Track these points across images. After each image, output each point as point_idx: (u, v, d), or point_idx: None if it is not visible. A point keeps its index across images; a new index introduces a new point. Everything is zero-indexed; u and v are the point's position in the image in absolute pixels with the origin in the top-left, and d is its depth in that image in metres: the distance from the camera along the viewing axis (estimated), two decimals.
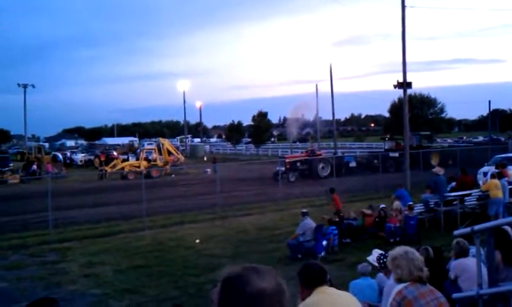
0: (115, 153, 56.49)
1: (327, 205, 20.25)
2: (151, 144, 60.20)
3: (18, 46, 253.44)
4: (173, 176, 41.43)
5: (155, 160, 43.74)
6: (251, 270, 1.71)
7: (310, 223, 14.66)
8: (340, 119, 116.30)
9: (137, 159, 45.55)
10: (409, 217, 15.86)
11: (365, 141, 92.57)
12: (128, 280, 12.68)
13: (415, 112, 60.92)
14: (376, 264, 7.74)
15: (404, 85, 28.21)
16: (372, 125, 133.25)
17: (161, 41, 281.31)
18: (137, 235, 18.26)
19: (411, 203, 16.80)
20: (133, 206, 21.87)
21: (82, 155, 60.45)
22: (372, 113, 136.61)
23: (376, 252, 8.12)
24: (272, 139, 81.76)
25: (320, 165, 36.44)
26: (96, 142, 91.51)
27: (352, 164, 33.03)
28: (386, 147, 43.37)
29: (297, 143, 79.17)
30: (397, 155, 37.36)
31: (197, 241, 16.48)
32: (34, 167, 44.33)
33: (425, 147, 38.45)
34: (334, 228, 15.10)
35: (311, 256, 13.34)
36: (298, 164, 36.55)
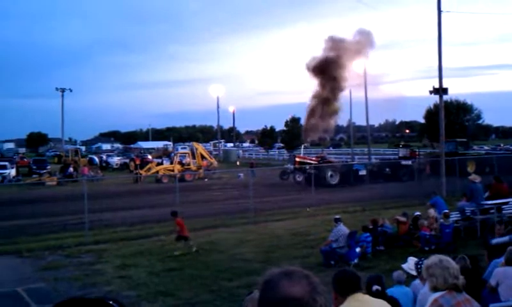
0: (150, 157, 57.34)
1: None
2: (185, 148, 60.79)
3: (56, 51, 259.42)
4: (206, 180, 41.72)
5: (188, 164, 44.12)
6: (283, 275, 1.72)
7: (344, 229, 14.55)
8: (373, 125, 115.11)
9: (171, 163, 46.05)
10: (445, 225, 15.59)
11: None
12: (161, 283, 12.82)
13: (451, 119, 59.81)
14: (412, 272, 7.64)
15: (440, 91, 27.76)
16: (407, 131, 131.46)
17: (196, 46, 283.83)
18: (170, 238, 18.43)
19: (447, 210, 16.51)
20: (167, 210, 22.07)
21: (118, 158, 61.44)
22: (407, 119, 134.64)
23: (412, 260, 8.03)
24: (305, 145, 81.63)
25: (329, 173, 35.25)
26: (132, 146, 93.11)
27: (362, 172, 32.06)
28: (400, 155, 42.07)
29: (331, 148, 78.76)
30: (409, 162, 36.33)
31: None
32: (71, 169, 45.26)
33: (461, 154, 37.66)
34: (368, 234, 14.96)
35: (344, 263, 13.25)
36: (308, 167, 35.10)
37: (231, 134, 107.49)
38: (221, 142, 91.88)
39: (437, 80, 27.62)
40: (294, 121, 75.55)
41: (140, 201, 27.75)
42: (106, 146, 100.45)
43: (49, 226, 21.06)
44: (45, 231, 19.99)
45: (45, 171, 45.91)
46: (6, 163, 48.04)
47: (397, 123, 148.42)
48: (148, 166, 45.42)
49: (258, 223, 20.85)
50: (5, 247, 17.44)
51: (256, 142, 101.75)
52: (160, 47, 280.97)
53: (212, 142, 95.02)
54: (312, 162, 37.24)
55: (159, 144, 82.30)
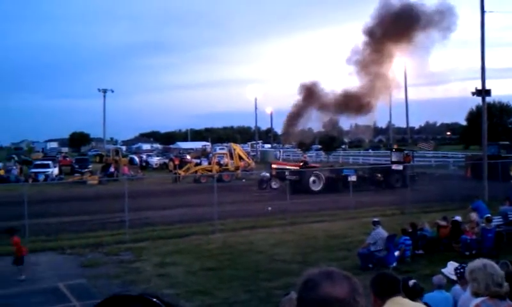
0: (189, 157, 57.90)
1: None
2: (223, 149, 61.16)
3: (97, 53, 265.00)
4: (243, 180, 41.83)
5: (226, 165, 44.35)
6: (324, 275, 1.72)
7: (382, 233, 14.38)
8: (414, 127, 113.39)
9: (210, 163, 46.40)
10: (487, 230, 15.21)
11: (440, 150, 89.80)
12: (199, 281, 12.95)
13: (494, 121, 58.33)
14: (452, 277, 7.50)
15: (483, 92, 27.11)
16: (448, 133, 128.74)
17: (233, 48, 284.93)
18: (208, 237, 18.61)
19: (489, 215, 16.11)
20: (205, 209, 22.30)
21: (158, 158, 62.20)
22: (448, 121, 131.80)
23: (452, 264, 7.87)
24: (344, 146, 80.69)
25: (312, 179, 33.20)
26: (171, 146, 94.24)
27: (352, 178, 30.90)
28: (393, 159, 39.25)
29: (370, 151, 77.87)
30: (400, 168, 34.18)
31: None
32: (112, 169, 46.06)
33: (504, 157, 36.57)
34: (407, 238, 14.75)
35: (382, 267, 13.10)
36: (287, 173, 32.63)
37: (268, 135, 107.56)
38: (258, 143, 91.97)
39: (480, 81, 27.02)
40: (333, 122, 74.98)
41: (179, 200, 28.10)
42: (146, 146, 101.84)
43: (90, 224, 21.50)
44: (86, 229, 20.43)
45: (86, 170, 46.86)
46: (49, 162, 49.24)
47: (437, 124, 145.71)
48: (186, 166, 45.89)
49: (295, 224, 20.81)
50: (48, 244, 17.92)
51: (294, 143, 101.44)
52: (199, 49, 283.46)
53: (249, 143, 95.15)
54: (290, 167, 35.16)
55: (198, 145, 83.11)
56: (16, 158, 64.67)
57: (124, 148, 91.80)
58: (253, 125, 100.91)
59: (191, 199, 28.19)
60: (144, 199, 27.32)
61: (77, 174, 45.56)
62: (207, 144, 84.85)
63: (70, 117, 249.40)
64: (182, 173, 42.67)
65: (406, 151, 39.86)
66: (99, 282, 13.29)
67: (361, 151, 63.02)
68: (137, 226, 20.19)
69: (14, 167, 47.52)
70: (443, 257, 12.99)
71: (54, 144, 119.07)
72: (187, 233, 19.29)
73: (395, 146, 46.93)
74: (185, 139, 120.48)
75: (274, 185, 33.07)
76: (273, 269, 13.86)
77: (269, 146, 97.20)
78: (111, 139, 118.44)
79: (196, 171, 43.07)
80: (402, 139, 78.46)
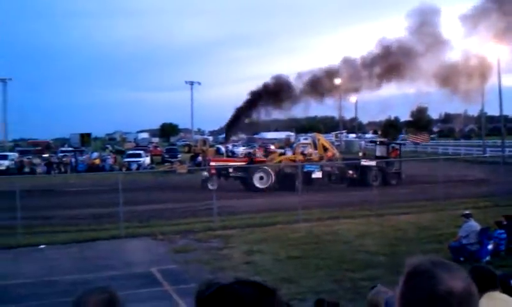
0: (273, 147, 58.35)
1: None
2: (306, 139, 60.98)
3: (185, 46, 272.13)
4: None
5: (310, 155, 44.22)
6: (440, 266, 1.53)
7: (475, 225, 13.85)
8: (508, 116, 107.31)
9: (294, 153, 46.46)
10: None
11: None
12: (285, 270, 13.09)
13: None
14: None
15: None
16: None
17: (316, 38, 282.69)
18: (293, 226, 18.73)
19: None
20: (289, 199, 22.45)
21: (243, 148, 63.21)
22: None
23: None
24: (433, 136, 78.00)
25: (258, 175, 30.78)
26: (255, 136, 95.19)
27: (316, 175, 27.72)
28: (377, 153, 36.44)
29: (461, 140, 74.77)
30: (373, 163, 31.65)
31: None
32: (200, 158, 47.35)
33: None
34: (502, 231, 14.10)
35: (474, 261, 12.62)
36: (231, 170, 30.89)
37: (353, 125, 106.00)
38: (342, 133, 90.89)
39: None
40: (421, 111, 72.70)
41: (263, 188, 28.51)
42: (232, 137, 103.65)
43: (180, 211, 22.31)
44: (176, 216, 21.23)
45: (176, 159, 48.57)
46: (141, 152, 51.50)
47: None
48: (271, 156, 46.24)
49: (382, 215, 20.44)
50: (141, 230, 18.80)
51: (379, 133, 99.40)
52: (282, 40, 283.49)
53: (334, 133, 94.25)
54: (231, 164, 32.74)
55: (282, 135, 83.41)
56: (110, 148, 68.19)
57: (211, 138, 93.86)
58: (337, 115, 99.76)
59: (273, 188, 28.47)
60: (231, 187, 27.93)
61: (167, 164, 47.26)
62: (291, 134, 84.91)
63: (160, 108, 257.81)
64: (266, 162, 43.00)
65: (392, 145, 37.12)
66: (190, 267, 13.74)
67: (451, 141, 60.54)
68: (225, 214, 20.69)
69: (109, 157, 50.11)
70: None
71: (145, 135, 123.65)
72: (272, 222, 19.52)
73: (379, 140, 43.63)
74: (269, 129, 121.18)
75: (212, 185, 27.54)
76: (358, 260, 13.75)
77: (353, 136, 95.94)
78: (199, 129, 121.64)
79: (280, 161, 43.29)
80: (494, 128, 74.56)
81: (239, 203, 23.89)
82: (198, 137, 77.62)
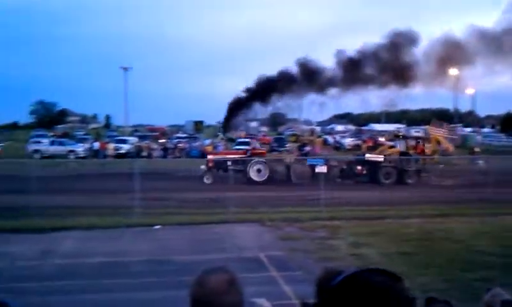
0: (383, 140, 57.08)
1: None
2: (418, 132, 58.96)
3: (297, 34, 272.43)
4: (441, 166, 39.96)
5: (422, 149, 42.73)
6: None
7: None
8: None
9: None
10: None
11: None
12: (393, 265, 12.80)
13: None
14: None
15: None
16: None
17: (427, 26, 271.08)
18: (403, 222, 18.29)
19: None
20: (400, 193, 21.99)
21: (351, 139, 62.49)
22: None
23: None
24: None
25: (255, 168, 29.81)
26: (364, 127, 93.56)
27: (321, 170, 24.82)
28: (401, 148, 34.37)
29: None
30: (381, 158, 30.08)
31: None
32: (307, 148, 47.50)
33: None
34: None
35: None
36: (229, 163, 29.84)
37: (469, 118, 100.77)
38: (458, 126, 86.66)
39: None
40: None
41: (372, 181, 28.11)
42: (340, 128, 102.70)
43: (288, 200, 22.60)
44: (284, 204, 21.54)
45: (283, 148, 49.07)
46: (250, 140, 52.75)
47: None
48: (380, 149, 45.29)
49: (497, 215, 19.32)
50: (249, 216, 19.26)
51: (498, 127, 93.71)
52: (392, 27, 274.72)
53: (446, 126, 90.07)
54: (230, 156, 31.65)
55: (392, 127, 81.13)
56: (221, 136, 70.29)
57: (318, 128, 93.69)
58: (451, 107, 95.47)
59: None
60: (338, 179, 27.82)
61: (274, 152, 47.91)
62: (401, 127, 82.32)
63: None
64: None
65: (418, 140, 35.29)
66: (296, 255, 13.93)
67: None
68: (333, 205, 20.64)
69: (220, 144, 51.75)
70: None
71: (255, 124, 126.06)
72: (381, 216, 19.19)
73: (402, 133, 40.10)
74: (379, 121, 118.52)
75: (207, 179, 28.43)
76: (471, 260, 13.14)
77: (469, 129, 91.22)
78: (306, 119, 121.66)
79: (390, 154, 42.27)
80: None
81: (348, 194, 23.76)
82: (306, 127, 77.68)
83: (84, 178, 29.40)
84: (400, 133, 49.54)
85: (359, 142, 58.06)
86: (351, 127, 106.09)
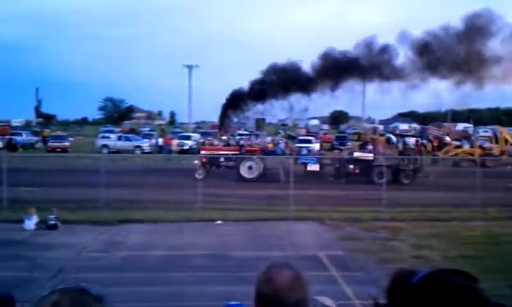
0: (448, 139, 55.48)
1: None
2: (486, 131, 56.96)
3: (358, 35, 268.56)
4: (509, 167, 38.46)
5: (490, 149, 41.31)
6: None
7: None
8: None
9: (471, 146, 43.79)
10: None
11: None
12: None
13: None
14: None
15: None
16: None
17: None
18: (467, 224, 17.80)
19: None
20: (462, 194, 21.38)
21: (415, 139, 60.97)
22: None
23: None
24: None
25: (247, 165, 29.26)
26: (429, 126, 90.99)
27: (312, 168, 24.32)
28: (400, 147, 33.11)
29: None
30: (370, 157, 28.82)
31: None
32: (369, 147, 46.80)
33: None
34: None
35: None
36: (222, 159, 29.82)
37: None
38: None
39: None
40: None
41: (437, 182, 27.44)
42: (403, 126, 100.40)
43: (347, 199, 22.44)
44: (344, 203, 21.41)
45: (344, 147, 48.68)
46: (312, 138, 52.65)
47: None
48: (446, 148, 44.13)
49: None
50: (308, 214, 19.30)
51: None
52: None
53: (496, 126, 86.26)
54: (223, 152, 31.25)
55: (458, 126, 78.52)
56: (282, 133, 70.38)
57: (381, 127, 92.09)
58: None
59: (448, 182, 27.21)
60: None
61: (336, 151, 47.59)
62: (469, 126, 79.59)
63: (332, 97, 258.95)
64: (440, 154, 41.24)
65: (417, 139, 34.09)
66: (356, 255, 13.85)
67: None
68: (394, 205, 20.32)
69: (281, 142, 51.92)
70: None
71: (316, 122, 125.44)
72: (444, 218, 18.74)
73: (397, 132, 37.64)
74: (444, 120, 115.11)
75: (199, 175, 27.20)
76: None
77: None
78: (369, 117, 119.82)
79: (456, 154, 41.12)
80: None
81: (409, 195, 23.30)
82: (368, 125, 76.62)
83: (149, 172, 30.31)
84: (467, 133, 48.05)
85: (424, 141, 56.56)
86: (416, 125, 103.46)
